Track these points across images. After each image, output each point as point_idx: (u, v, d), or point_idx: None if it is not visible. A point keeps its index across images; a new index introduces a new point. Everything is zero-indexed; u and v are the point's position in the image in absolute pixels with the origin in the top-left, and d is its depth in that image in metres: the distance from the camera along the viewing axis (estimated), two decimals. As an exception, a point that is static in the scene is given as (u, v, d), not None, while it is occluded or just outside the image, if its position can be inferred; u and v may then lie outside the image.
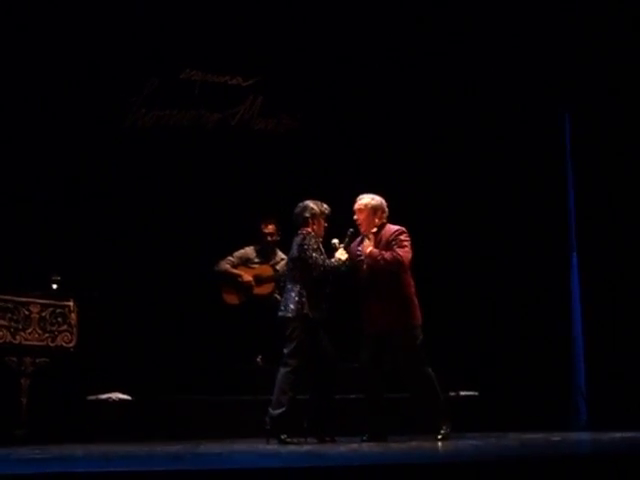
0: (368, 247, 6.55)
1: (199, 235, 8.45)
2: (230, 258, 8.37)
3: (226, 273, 8.30)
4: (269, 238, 8.35)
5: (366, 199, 6.67)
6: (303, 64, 9.01)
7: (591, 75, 9.07)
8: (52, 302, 6.94)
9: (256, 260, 8.41)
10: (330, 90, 9.03)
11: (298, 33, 8.96)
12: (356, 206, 6.66)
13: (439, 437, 6.39)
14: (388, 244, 6.54)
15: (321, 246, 6.64)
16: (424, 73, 9.21)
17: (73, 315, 6.99)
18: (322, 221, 6.71)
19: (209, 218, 8.53)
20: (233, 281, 8.30)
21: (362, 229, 6.66)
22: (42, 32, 8.23)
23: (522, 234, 9.08)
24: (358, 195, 6.76)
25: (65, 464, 5.04)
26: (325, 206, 6.74)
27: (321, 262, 6.53)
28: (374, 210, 6.63)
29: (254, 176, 8.77)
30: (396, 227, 6.64)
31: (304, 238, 6.60)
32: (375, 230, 6.62)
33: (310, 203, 6.72)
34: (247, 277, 8.29)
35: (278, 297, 8.26)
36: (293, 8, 8.96)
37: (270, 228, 8.32)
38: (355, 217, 6.66)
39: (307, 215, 6.69)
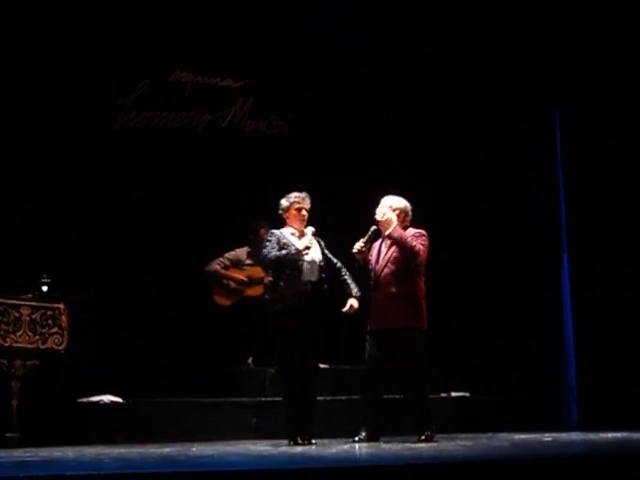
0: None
1: (190, 236, 8.43)
2: (221, 259, 8.36)
3: (216, 274, 8.29)
4: (253, 238, 8.35)
5: (390, 201, 6.66)
6: (294, 66, 9.01)
7: (581, 75, 9.10)
8: (42, 304, 6.91)
9: (247, 262, 8.40)
10: (320, 91, 9.03)
11: (289, 34, 8.96)
12: (380, 207, 6.64)
13: (422, 438, 6.41)
14: None
15: (286, 239, 6.51)
16: (413, 74, 9.22)
17: (64, 317, 6.96)
18: (295, 212, 6.62)
19: (200, 219, 8.51)
20: (223, 282, 8.29)
21: (384, 231, 6.63)
22: (33, 34, 8.20)
23: (513, 236, 9.10)
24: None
25: (57, 467, 5.03)
26: (295, 196, 6.63)
27: (265, 252, 6.47)
28: (397, 212, 6.63)
29: (245, 177, 8.75)
30: (415, 229, 6.67)
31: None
32: None
33: (282, 199, 6.68)
34: (239, 276, 8.28)
35: (269, 298, 8.28)
36: (284, 10, 8.96)
37: (261, 232, 8.31)
38: (378, 218, 6.62)
39: (280, 212, 6.68)
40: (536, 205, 9.28)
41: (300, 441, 6.35)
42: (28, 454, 5.81)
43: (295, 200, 6.64)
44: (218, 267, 8.32)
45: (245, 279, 8.29)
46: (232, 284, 8.27)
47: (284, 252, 6.44)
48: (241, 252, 8.43)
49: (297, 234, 6.62)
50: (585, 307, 8.96)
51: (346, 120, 9.07)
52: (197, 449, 6.10)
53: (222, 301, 8.28)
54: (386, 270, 6.56)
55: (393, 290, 6.52)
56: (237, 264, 8.38)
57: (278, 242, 6.51)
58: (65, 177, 8.22)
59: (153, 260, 8.32)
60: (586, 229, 9.02)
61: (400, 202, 6.68)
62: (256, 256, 8.26)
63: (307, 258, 6.50)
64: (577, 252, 9.15)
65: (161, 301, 8.22)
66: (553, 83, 9.36)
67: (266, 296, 6.67)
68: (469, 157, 9.23)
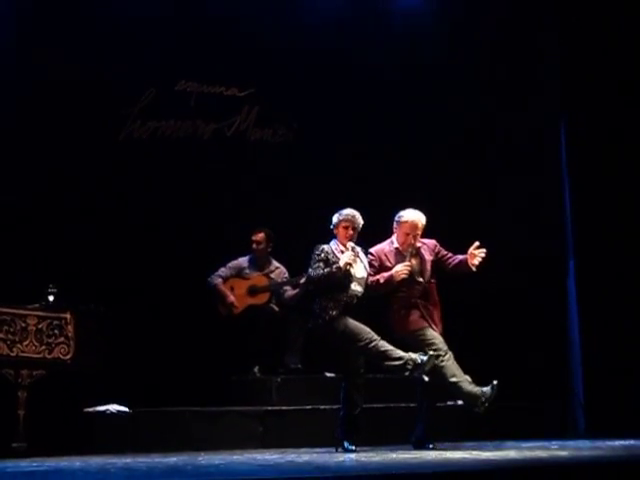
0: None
1: (196, 245, 8.44)
2: (223, 269, 8.35)
3: (215, 289, 8.29)
4: (254, 246, 8.36)
5: (420, 216, 6.76)
6: (299, 74, 9.02)
7: (587, 80, 9.10)
8: (49, 314, 6.91)
9: (249, 270, 8.39)
10: (326, 100, 9.03)
11: (294, 43, 8.98)
12: (418, 225, 6.73)
13: (431, 447, 6.50)
14: (436, 255, 6.80)
15: (333, 254, 6.68)
16: (417, 81, 9.22)
17: (70, 327, 6.97)
18: (342, 229, 6.76)
19: (205, 228, 8.52)
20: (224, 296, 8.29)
21: (413, 245, 6.74)
22: (40, 45, 8.24)
23: (519, 241, 9.08)
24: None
25: (63, 477, 5.04)
26: (345, 213, 6.78)
27: (311, 272, 6.69)
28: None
29: (250, 186, 8.77)
30: (432, 240, 6.86)
31: (313, 251, 6.76)
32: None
33: (335, 213, 6.84)
34: (231, 298, 8.24)
35: (274, 307, 8.27)
36: (288, 18, 8.99)
37: (258, 237, 8.33)
38: (411, 233, 6.71)
39: (331, 226, 6.83)
40: (541, 211, 9.27)
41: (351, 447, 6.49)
42: (35, 464, 5.81)
43: (344, 218, 6.78)
44: (219, 281, 8.30)
45: (249, 289, 8.27)
46: (227, 302, 8.24)
47: (327, 270, 6.61)
48: (243, 261, 8.43)
49: (345, 250, 6.75)
50: (591, 313, 8.93)
51: (352, 129, 9.07)
52: (203, 458, 6.10)
53: (226, 312, 8.27)
54: (431, 280, 6.77)
55: (436, 298, 6.78)
56: (240, 273, 8.38)
57: (326, 259, 6.67)
58: (71, 187, 8.24)
59: (159, 269, 8.33)
60: (592, 235, 9.00)
61: (423, 220, 6.77)
62: (260, 267, 8.34)
63: (354, 274, 6.67)
64: (583, 258, 9.13)
65: (167, 310, 8.22)
66: (559, 86, 9.36)
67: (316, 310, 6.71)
68: (473, 162, 9.22)
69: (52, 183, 8.16)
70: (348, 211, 6.81)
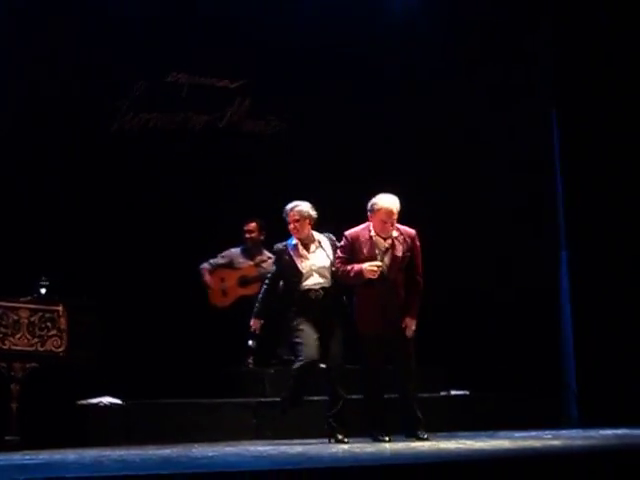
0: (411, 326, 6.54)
1: (188, 237, 8.43)
2: (212, 261, 8.36)
3: (199, 272, 8.30)
4: (247, 235, 8.36)
5: (394, 200, 6.50)
6: (291, 65, 9.00)
7: (579, 70, 9.10)
8: (41, 307, 6.91)
9: (240, 260, 8.40)
10: (318, 91, 9.02)
11: (286, 34, 8.96)
12: (393, 210, 6.45)
13: (425, 437, 6.46)
14: (409, 247, 6.54)
15: (286, 252, 6.69)
16: (412, 78, 9.21)
17: (62, 320, 6.96)
18: (289, 224, 6.71)
19: (198, 220, 8.51)
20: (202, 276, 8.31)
21: (390, 232, 6.51)
22: (33, 37, 8.21)
23: (511, 233, 9.09)
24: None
25: (57, 469, 5.03)
26: (285, 209, 6.72)
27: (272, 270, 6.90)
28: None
29: (243, 178, 8.76)
30: (412, 230, 6.62)
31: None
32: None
33: None
34: (207, 277, 8.27)
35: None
36: (280, 9, 8.97)
37: (250, 226, 8.33)
38: (388, 220, 6.46)
39: None
40: (534, 202, 9.27)
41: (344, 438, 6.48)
42: (28, 457, 5.81)
43: (285, 213, 6.74)
44: (205, 265, 8.33)
45: (239, 279, 8.27)
46: (205, 278, 8.25)
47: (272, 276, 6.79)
48: (235, 251, 8.43)
49: (299, 244, 6.69)
50: (584, 303, 8.95)
51: (345, 119, 9.06)
52: (197, 450, 6.10)
53: (218, 302, 8.28)
54: (398, 275, 6.53)
55: (402, 293, 6.53)
56: (231, 264, 8.38)
57: (279, 259, 6.73)
58: (63, 179, 8.22)
59: (151, 261, 8.32)
60: (585, 226, 9.01)
61: (397, 204, 6.51)
62: (251, 257, 8.37)
63: (308, 266, 6.61)
64: (576, 249, 9.14)
65: (160, 302, 8.21)
66: (551, 79, 9.37)
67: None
68: (467, 154, 9.22)
69: (44, 175, 8.14)
70: (288, 206, 6.72)
